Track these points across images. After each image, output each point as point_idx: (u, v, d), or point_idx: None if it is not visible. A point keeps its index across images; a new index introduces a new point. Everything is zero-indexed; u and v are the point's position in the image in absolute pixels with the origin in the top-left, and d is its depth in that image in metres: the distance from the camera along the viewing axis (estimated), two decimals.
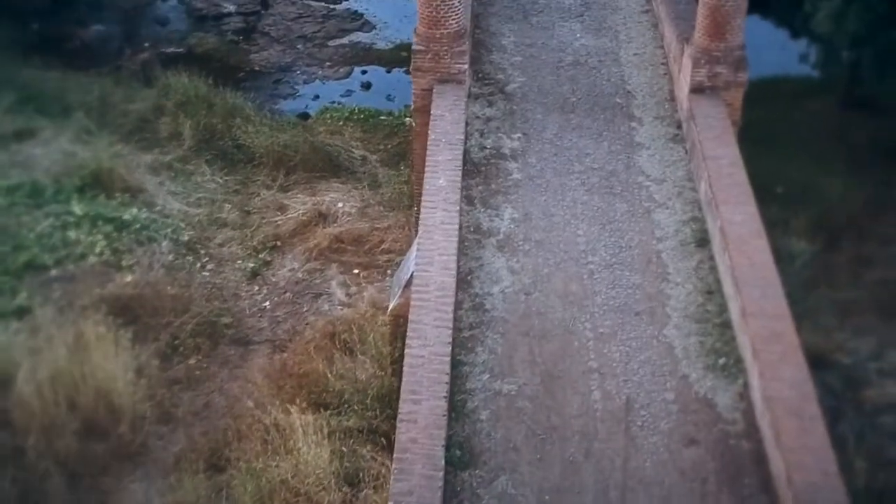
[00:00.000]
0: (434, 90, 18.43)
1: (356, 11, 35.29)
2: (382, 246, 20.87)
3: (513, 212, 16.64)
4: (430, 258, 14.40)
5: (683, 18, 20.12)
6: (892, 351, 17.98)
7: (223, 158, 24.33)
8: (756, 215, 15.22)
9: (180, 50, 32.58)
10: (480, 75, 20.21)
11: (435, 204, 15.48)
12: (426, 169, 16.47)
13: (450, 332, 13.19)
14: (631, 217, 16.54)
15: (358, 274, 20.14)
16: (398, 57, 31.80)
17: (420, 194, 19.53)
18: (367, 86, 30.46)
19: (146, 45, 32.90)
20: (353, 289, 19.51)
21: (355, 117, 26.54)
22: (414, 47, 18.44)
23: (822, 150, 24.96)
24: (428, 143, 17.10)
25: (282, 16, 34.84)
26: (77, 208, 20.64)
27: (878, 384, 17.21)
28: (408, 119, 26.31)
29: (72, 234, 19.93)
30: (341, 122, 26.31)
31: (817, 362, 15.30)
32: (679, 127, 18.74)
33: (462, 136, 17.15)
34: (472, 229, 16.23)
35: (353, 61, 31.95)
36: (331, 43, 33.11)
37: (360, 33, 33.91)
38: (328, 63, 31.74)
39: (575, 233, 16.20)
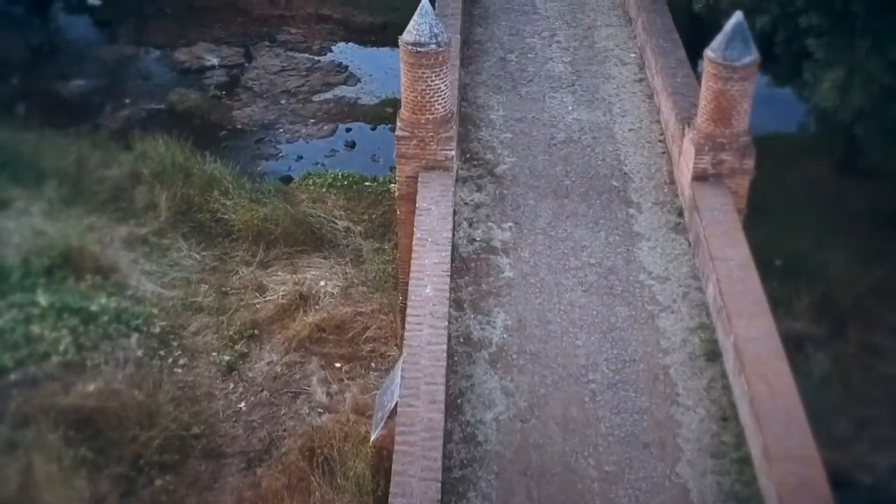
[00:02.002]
0: (419, 178, 16.39)
1: (341, 63, 33.29)
2: (366, 334, 18.81)
3: (506, 318, 14.60)
4: (416, 388, 12.31)
5: (681, 93, 18.19)
6: None
7: (200, 232, 22.25)
8: (773, 330, 13.21)
9: (161, 106, 30.54)
10: (468, 155, 18.20)
11: (421, 319, 13.38)
12: (411, 273, 14.41)
13: (438, 484, 11.11)
14: (633, 323, 14.51)
15: (340, 368, 18.07)
16: (383, 113, 29.86)
17: (405, 284, 17.54)
18: (351, 144, 28.42)
19: (127, 101, 30.84)
20: (335, 387, 17.41)
21: (339, 184, 24.48)
22: (397, 133, 16.38)
23: (821, 217, 23.06)
24: (414, 240, 15.06)
25: (265, 69, 32.79)
26: (42, 298, 18.49)
27: None
28: (392, 185, 24.31)
29: (35, 328, 17.78)
30: (324, 189, 24.25)
31: (837, 483, 13.29)
32: (680, 214, 16.75)
33: (449, 235, 15.08)
34: (461, 339, 14.19)
35: (338, 118, 29.89)
36: (315, 98, 31.05)
37: (344, 87, 31.88)
38: (312, 120, 29.69)
39: (573, 343, 14.16)
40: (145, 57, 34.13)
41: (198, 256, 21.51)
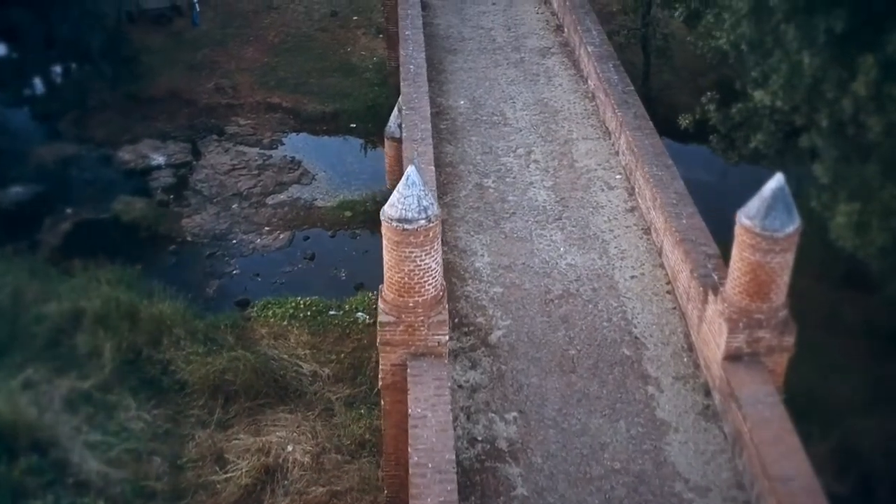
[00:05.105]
0: (409, 367, 12.88)
1: (293, 158, 29.61)
2: None
3: None
4: None
5: (691, 240, 14.91)
6: None
7: (150, 386, 18.47)
8: None
9: (105, 216, 26.49)
10: (457, 319, 14.74)
11: None
12: None
13: None
14: None
15: None
16: (341, 217, 26.33)
17: (391, 478, 14.07)
18: (310, 257, 24.73)
19: (69, 211, 26.77)
20: None
21: (301, 314, 20.79)
22: (381, 318, 12.85)
23: (817, 336, 19.83)
24: (410, 465, 11.47)
25: (214, 168, 28.95)
26: None
27: None
28: (359, 314, 20.77)
29: None
30: (285, 322, 20.53)
31: None
32: (707, 394, 13.48)
33: (453, 457, 11.51)
34: None
35: (294, 224, 26.16)
36: (269, 200, 27.32)
37: (298, 186, 28.20)
38: (267, 227, 25.93)
39: None
40: (87, 155, 30.04)
41: (148, 417, 17.72)
